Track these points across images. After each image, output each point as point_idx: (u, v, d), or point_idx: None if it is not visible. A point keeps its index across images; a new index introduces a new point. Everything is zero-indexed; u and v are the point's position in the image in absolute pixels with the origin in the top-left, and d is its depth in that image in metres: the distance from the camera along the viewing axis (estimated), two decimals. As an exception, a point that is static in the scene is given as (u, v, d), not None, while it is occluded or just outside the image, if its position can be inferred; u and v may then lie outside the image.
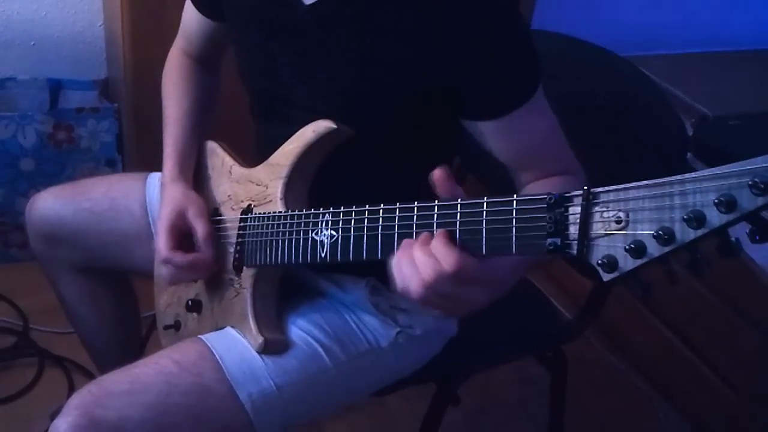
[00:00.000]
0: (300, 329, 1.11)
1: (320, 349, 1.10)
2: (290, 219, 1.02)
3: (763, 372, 1.79)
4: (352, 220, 0.92)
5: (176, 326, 1.27)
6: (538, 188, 1.06)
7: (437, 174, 0.81)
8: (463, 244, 0.80)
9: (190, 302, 1.22)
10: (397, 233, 0.87)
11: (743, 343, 1.81)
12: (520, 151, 1.06)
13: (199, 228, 1.14)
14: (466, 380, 1.35)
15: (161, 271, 1.17)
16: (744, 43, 2.69)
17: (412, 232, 0.85)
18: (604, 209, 0.69)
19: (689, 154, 2.07)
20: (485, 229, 0.78)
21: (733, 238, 0.62)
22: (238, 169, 1.18)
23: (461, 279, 0.80)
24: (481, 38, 0.97)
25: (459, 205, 0.81)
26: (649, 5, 2.60)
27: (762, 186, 0.58)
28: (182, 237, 1.16)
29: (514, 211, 0.76)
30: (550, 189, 1.02)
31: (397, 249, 0.85)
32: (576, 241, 0.71)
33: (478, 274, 0.80)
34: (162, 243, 1.14)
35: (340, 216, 0.94)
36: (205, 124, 1.30)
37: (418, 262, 0.81)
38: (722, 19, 2.71)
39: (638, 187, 0.66)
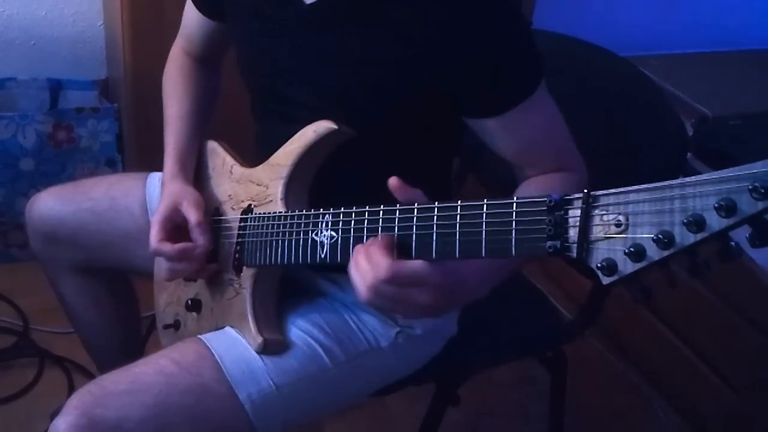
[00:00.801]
0: (299, 329, 1.12)
1: (320, 349, 1.10)
2: (290, 219, 1.02)
3: (763, 372, 1.79)
4: (352, 221, 0.92)
5: (176, 326, 1.27)
6: (537, 184, 1.06)
7: (393, 183, 0.85)
8: (400, 248, 0.86)
9: (189, 302, 1.22)
10: (397, 234, 0.87)
11: (743, 343, 1.81)
12: (522, 148, 1.06)
13: (192, 216, 1.14)
14: (466, 380, 1.35)
15: (160, 266, 1.17)
16: (744, 43, 2.69)
17: (412, 234, 0.85)
18: (604, 212, 0.69)
19: (689, 154, 2.07)
20: (485, 231, 0.78)
21: (733, 242, 0.62)
22: (239, 169, 1.18)
23: (398, 282, 0.84)
24: (482, 37, 0.97)
25: (459, 207, 0.81)
26: (649, 5, 2.60)
27: (762, 190, 0.58)
28: (177, 230, 1.16)
29: (514, 213, 0.76)
30: (550, 185, 1.04)
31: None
32: (576, 244, 0.70)
33: (413, 278, 0.84)
34: (152, 234, 1.14)
35: (340, 217, 0.94)
36: (205, 123, 1.30)
37: (360, 269, 0.86)
38: (722, 19, 2.71)
39: (638, 190, 0.66)
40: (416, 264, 0.85)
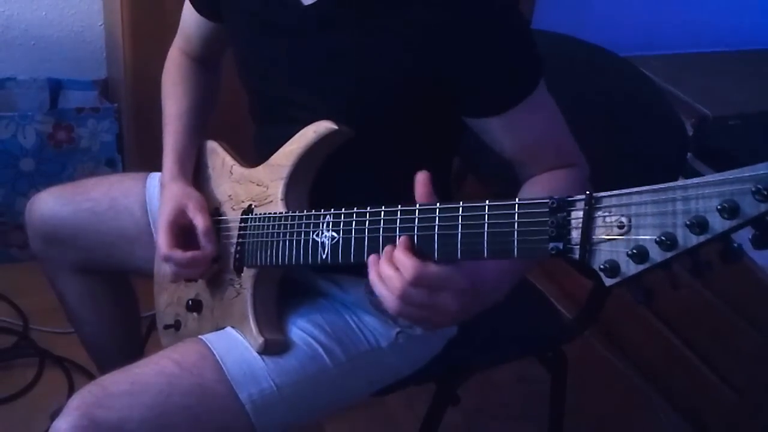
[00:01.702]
0: (300, 329, 1.12)
1: (320, 350, 1.10)
2: (291, 220, 1.02)
3: (763, 372, 1.79)
4: (353, 222, 0.92)
5: (176, 326, 1.27)
6: (541, 183, 1.06)
7: (421, 176, 0.85)
8: (421, 249, 0.84)
9: (190, 302, 1.21)
10: (398, 235, 0.87)
11: (743, 343, 1.81)
12: (524, 146, 1.06)
13: (199, 223, 1.14)
14: (466, 380, 1.35)
15: (164, 268, 1.17)
16: (744, 43, 2.69)
17: (414, 235, 0.85)
18: (607, 214, 0.68)
19: (689, 154, 2.07)
20: (487, 232, 0.78)
21: (735, 244, 0.62)
22: (239, 169, 1.18)
23: (426, 285, 0.83)
24: (481, 37, 0.97)
25: (461, 208, 0.81)
26: (649, 5, 2.60)
27: (765, 192, 0.57)
28: (183, 233, 1.16)
29: (516, 215, 0.76)
30: (555, 183, 1.03)
31: None
32: (578, 246, 0.70)
33: (439, 281, 0.83)
34: (162, 240, 1.14)
35: (341, 218, 0.94)
36: (204, 123, 1.30)
37: (385, 278, 0.85)
38: (722, 19, 2.71)
39: (641, 192, 0.66)
40: (440, 266, 0.84)
